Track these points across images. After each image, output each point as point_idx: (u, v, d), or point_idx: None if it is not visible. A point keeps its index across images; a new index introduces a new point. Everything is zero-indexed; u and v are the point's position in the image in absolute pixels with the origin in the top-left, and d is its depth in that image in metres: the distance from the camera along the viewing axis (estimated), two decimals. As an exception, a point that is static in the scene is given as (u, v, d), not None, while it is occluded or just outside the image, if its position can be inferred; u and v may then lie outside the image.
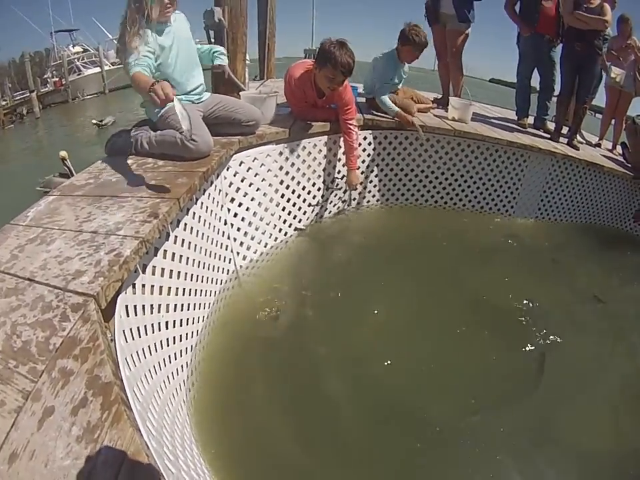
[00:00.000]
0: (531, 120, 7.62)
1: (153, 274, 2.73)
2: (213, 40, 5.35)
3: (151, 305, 2.66)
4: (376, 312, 3.99)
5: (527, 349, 3.84)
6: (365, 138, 5.53)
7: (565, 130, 7.31)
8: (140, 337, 2.41)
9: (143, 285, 2.57)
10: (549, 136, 7.11)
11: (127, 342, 2.17)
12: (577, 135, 7.28)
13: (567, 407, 3.36)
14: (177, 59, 3.71)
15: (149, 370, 2.35)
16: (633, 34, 7.68)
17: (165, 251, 2.89)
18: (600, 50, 6.65)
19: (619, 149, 8.02)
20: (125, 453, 1.40)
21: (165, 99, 3.02)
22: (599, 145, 8.27)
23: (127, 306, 2.31)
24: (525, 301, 4.45)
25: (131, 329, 2.29)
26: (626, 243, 6.84)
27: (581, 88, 6.90)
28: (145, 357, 2.38)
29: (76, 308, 1.89)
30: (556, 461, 2.94)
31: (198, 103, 3.96)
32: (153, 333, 2.63)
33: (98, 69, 40.33)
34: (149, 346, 2.49)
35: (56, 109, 35.74)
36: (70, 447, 1.39)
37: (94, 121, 24.94)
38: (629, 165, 7.22)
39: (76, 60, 40.52)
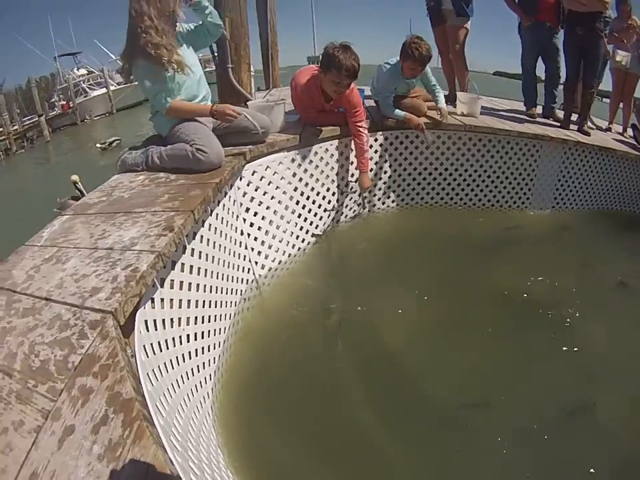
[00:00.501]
0: (539, 110, 7.59)
1: (172, 287, 2.72)
2: (215, 53, 5.37)
3: (171, 319, 2.65)
4: (401, 319, 3.95)
5: (558, 342, 3.78)
6: (375, 139, 5.50)
7: (574, 117, 7.25)
8: (161, 351, 2.39)
9: (162, 299, 2.56)
10: (558, 124, 7.09)
11: (147, 357, 2.14)
12: (587, 121, 7.21)
13: (598, 394, 3.30)
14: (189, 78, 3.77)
15: (172, 384, 2.33)
16: (632, 14, 7.62)
17: (183, 264, 2.88)
18: (602, 32, 6.64)
19: (629, 131, 7.97)
20: (148, 470, 1.39)
21: (237, 116, 3.73)
22: (609, 130, 8.23)
23: (146, 321, 2.29)
24: (550, 291, 4.44)
25: (152, 344, 2.27)
26: None
27: (587, 72, 6.86)
28: (167, 371, 2.35)
29: (94, 325, 1.87)
30: (588, 446, 2.89)
31: None
32: (175, 346, 2.61)
33: (104, 90, 40.55)
34: (170, 360, 2.47)
35: (65, 131, 35.93)
36: (91, 465, 1.36)
37: (98, 145, 24.51)
38: None
39: (82, 82, 40.73)
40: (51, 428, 1.48)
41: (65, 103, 38.51)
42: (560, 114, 7.36)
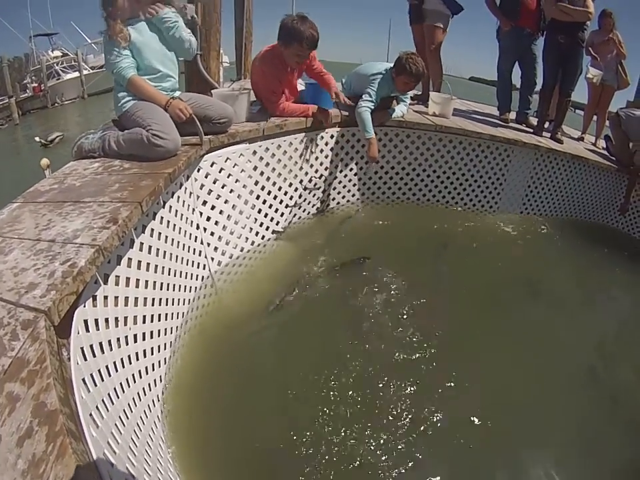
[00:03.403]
0: (513, 115, 7.63)
1: (117, 284, 2.57)
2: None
3: (116, 318, 2.50)
4: (361, 319, 3.87)
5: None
6: (342, 135, 5.42)
7: (547, 124, 7.34)
8: (103, 352, 2.24)
9: (105, 297, 2.40)
10: (531, 130, 7.13)
11: (85, 360, 2.00)
12: (560, 129, 7.29)
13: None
14: (149, 53, 3.69)
15: (114, 389, 2.19)
16: (615, 28, 7.72)
17: (130, 259, 2.74)
18: (583, 42, 6.75)
19: (601, 142, 8.08)
20: None
21: (187, 115, 3.63)
22: (581, 139, 8.35)
23: (86, 320, 2.14)
24: (517, 291, 4.73)
25: (91, 345, 2.12)
26: (612, 239, 6.92)
27: (565, 81, 6.96)
28: (110, 375, 2.21)
29: (26, 325, 1.73)
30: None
31: None
32: (119, 347, 2.46)
33: (77, 74, 39.80)
34: (114, 362, 2.32)
35: (35, 114, 35.12)
36: None
37: (37, 139, 22.41)
38: (613, 158, 7.25)
39: (55, 65, 39.98)
40: (-22, 439, 1.36)
41: (36, 85, 37.78)
42: (533, 120, 7.44)
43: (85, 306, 2.14)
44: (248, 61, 8.60)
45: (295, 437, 2.78)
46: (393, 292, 4.18)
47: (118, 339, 2.46)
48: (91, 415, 1.75)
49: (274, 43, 4.79)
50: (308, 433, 2.82)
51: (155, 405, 2.67)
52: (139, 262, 2.86)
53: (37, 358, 1.60)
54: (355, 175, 5.78)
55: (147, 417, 2.45)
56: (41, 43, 44.13)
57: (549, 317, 4.32)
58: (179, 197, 3.57)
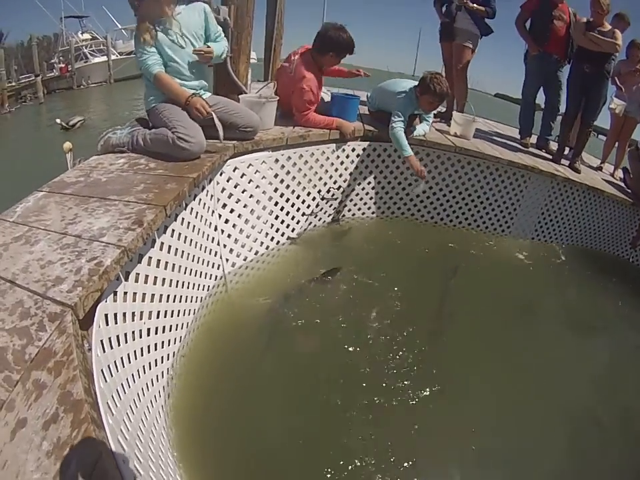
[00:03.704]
0: (533, 139, 7.59)
1: (136, 281, 2.68)
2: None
3: (133, 313, 2.61)
4: (362, 328, 3.94)
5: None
6: (363, 149, 5.49)
7: (566, 151, 7.32)
8: (119, 345, 2.35)
9: (125, 293, 2.51)
10: (550, 156, 7.12)
11: (104, 352, 2.11)
12: (579, 158, 7.20)
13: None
14: (176, 53, 3.81)
15: (126, 379, 2.29)
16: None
17: (150, 257, 2.84)
18: (608, 73, 6.70)
19: (619, 173, 7.99)
20: (92, 474, 1.40)
21: (205, 114, 3.70)
22: (600, 169, 8.27)
23: (106, 315, 2.24)
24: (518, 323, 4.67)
25: (110, 338, 2.23)
26: (622, 271, 6.84)
27: (587, 110, 6.93)
28: (124, 366, 2.32)
29: (53, 318, 1.83)
30: None
31: None
32: (134, 340, 2.58)
33: (105, 58, 39.73)
34: (128, 354, 2.43)
35: (60, 94, 34.92)
36: (40, 461, 1.37)
37: (58, 121, 21.53)
38: (629, 191, 7.19)
39: (83, 47, 39.84)
40: (4, 418, 1.47)
41: (63, 65, 37.55)
42: (553, 146, 7.40)
43: (106, 301, 2.24)
44: (276, 63, 8.66)
45: (294, 438, 2.85)
46: (394, 311, 4.24)
47: (133, 332, 2.58)
48: (107, 403, 1.85)
49: (303, 50, 5.01)
50: (308, 435, 2.89)
51: (160, 396, 2.76)
52: (158, 260, 2.95)
53: (64, 350, 1.71)
54: (373, 188, 5.85)
55: (152, 406, 2.55)
56: (71, 25, 43.88)
57: (552, 346, 4.29)
58: (200, 200, 3.65)
